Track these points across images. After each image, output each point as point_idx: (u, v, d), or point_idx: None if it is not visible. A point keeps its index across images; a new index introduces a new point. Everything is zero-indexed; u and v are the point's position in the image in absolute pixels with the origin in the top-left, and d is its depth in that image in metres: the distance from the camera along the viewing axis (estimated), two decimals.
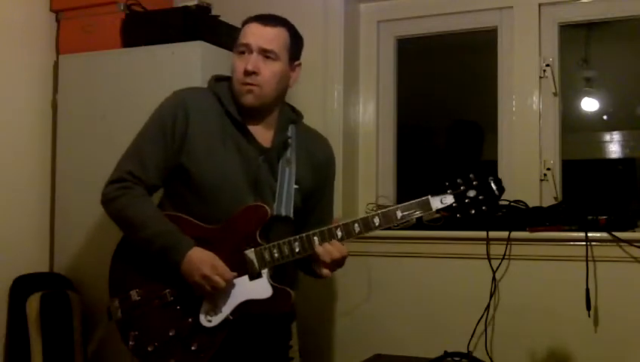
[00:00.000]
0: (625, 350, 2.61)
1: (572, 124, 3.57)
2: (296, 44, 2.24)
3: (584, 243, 2.63)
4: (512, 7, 3.04)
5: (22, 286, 2.79)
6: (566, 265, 2.69)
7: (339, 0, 3.17)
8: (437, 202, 1.99)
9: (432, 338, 2.84)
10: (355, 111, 3.27)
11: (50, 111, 3.02)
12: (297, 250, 2.02)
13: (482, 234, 2.78)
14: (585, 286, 2.61)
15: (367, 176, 3.26)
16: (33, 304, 2.71)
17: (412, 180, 3.46)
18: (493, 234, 2.77)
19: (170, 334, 2.02)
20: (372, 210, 3.13)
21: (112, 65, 2.86)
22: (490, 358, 2.73)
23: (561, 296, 2.70)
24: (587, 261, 2.62)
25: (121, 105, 2.79)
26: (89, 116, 2.89)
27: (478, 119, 3.71)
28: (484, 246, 2.78)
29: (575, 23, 3.11)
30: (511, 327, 2.77)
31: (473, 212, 1.98)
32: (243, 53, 2.14)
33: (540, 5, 2.99)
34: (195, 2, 2.78)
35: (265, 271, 2.03)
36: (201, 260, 1.99)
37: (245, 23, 2.21)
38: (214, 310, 2.01)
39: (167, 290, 2.05)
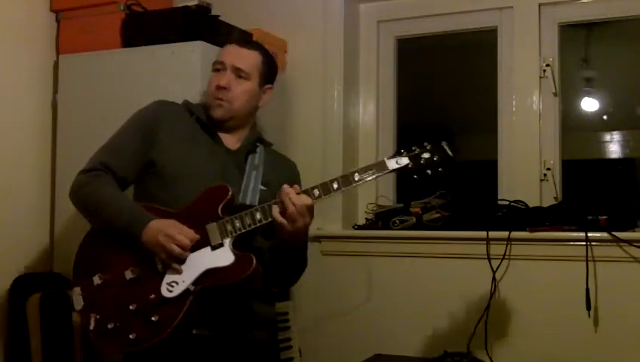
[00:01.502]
0: (625, 350, 2.61)
1: (572, 124, 3.58)
2: (269, 69, 2.35)
3: (584, 243, 2.63)
4: (512, 7, 3.04)
5: (22, 286, 2.78)
6: (566, 265, 2.70)
7: (339, 0, 3.17)
8: (392, 163, 2.05)
9: (432, 339, 2.84)
10: (355, 112, 3.27)
11: (50, 111, 3.02)
12: (259, 217, 2.03)
13: (482, 234, 2.78)
14: (585, 286, 2.62)
15: None
16: (33, 304, 2.71)
17: (412, 180, 3.46)
18: (493, 234, 2.77)
19: (131, 308, 2.01)
20: (372, 210, 3.13)
21: (112, 65, 2.86)
22: (490, 358, 2.73)
23: (561, 296, 2.70)
24: (587, 261, 2.63)
25: (121, 105, 2.77)
26: (89, 116, 2.88)
27: (478, 119, 3.71)
28: (484, 246, 2.78)
29: (575, 23, 3.11)
30: (511, 327, 2.77)
31: (429, 172, 2.05)
32: (218, 70, 2.27)
33: (540, 5, 2.99)
34: (195, 2, 2.78)
35: (227, 241, 2.03)
36: (163, 224, 2.02)
37: (225, 44, 2.36)
38: (176, 280, 2.01)
39: (130, 268, 2.06)
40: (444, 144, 2.04)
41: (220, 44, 2.78)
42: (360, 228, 3.13)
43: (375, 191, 3.24)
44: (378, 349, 2.89)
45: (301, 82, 3.20)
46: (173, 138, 2.20)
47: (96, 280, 2.08)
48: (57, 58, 3.00)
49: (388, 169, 2.04)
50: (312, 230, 3.08)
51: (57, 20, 3.03)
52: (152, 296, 2.01)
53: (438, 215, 2.91)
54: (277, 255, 2.18)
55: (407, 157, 2.05)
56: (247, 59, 2.28)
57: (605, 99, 3.97)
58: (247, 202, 2.16)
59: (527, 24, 3.00)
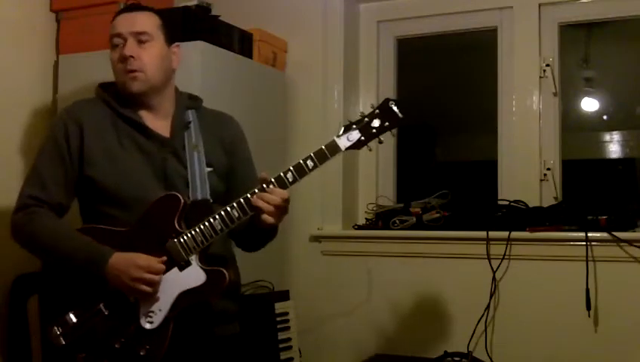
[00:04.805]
0: (625, 350, 2.61)
1: (572, 124, 3.57)
2: (168, 27, 2.18)
3: (584, 243, 2.63)
4: (512, 7, 3.05)
5: (22, 285, 2.78)
6: (566, 265, 2.70)
7: (339, 0, 3.17)
8: (344, 141, 1.94)
9: (432, 339, 2.84)
10: (355, 111, 3.26)
11: (50, 111, 3.02)
12: (219, 227, 1.95)
13: (482, 234, 2.78)
14: (585, 286, 2.62)
15: (367, 176, 3.26)
16: (33, 304, 2.71)
17: (412, 180, 3.47)
18: (493, 234, 2.77)
19: (117, 346, 1.95)
20: (372, 210, 3.13)
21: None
22: (490, 358, 2.73)
23: (561, 296, 2.70)
24: (587, 261, 2.63)
25: None
26: None
27: (478, 119, 3.71)
28: (484, 246, 2.78)
29: (575, 23, 3.12)
30: (511, 327, 2.77)
31: (382, 140, 1.97)
32: (117, 45, 2.11)
33: (540, 5, 2.99)
34: (195, 2, 2.78)
35: (193, 258, 1.96)
36: (124, 264, 1.93)
37: (113, 18, 2.18)
38: (153, 310, 1.94)
39: (102, 304, 1.98)
40: (391, 104, 1.94)
41: (220, 44, 2.79)
42: (360, 228, 3.13)
43: (375, 191, 3.24)
44: (378, 349, 2.89)
45: (301, 82, 3.20)
46: (99, 146, 2.05)
47: (72, 317, 1.99)
48: (57, 58, 3.00)
49: (341, 149, 1.94)
50: (312, 230, 3.11)
51: (57, 20, 3.03)
52: (132, 327, 1.95)
53: (438, 215, 2.91)
54: (251, 234, 2.10)
55: (357, 131, 1.94)
56: (145, 20, 2.10)
57: (605, 99, 3.97)
58: (199, 195, 2.05)
59: (527, 24, 3.00)
